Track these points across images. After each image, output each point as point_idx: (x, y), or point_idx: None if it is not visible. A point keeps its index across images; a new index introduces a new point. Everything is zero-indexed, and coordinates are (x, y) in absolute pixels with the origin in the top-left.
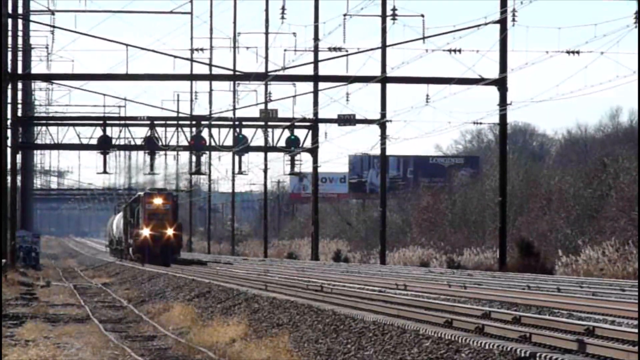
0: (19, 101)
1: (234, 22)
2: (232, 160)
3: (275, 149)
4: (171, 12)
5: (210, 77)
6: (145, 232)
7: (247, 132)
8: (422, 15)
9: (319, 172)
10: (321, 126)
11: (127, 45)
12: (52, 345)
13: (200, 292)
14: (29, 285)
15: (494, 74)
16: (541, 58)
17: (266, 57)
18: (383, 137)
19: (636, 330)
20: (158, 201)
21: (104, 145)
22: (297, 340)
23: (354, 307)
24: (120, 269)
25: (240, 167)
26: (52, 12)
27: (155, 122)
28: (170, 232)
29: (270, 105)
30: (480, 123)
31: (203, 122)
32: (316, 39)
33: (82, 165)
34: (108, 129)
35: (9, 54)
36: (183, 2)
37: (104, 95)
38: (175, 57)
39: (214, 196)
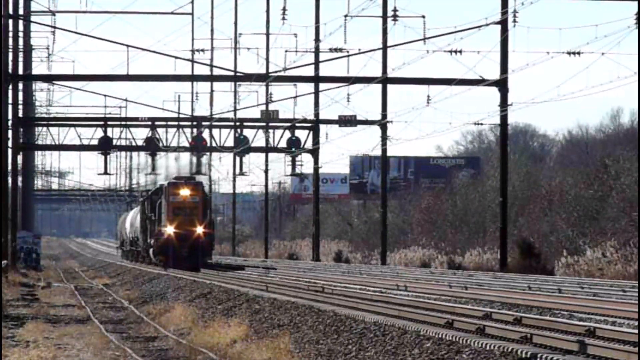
0: (20, 102)
1: (235, 23)
2: (233, 161)
3: (276, 149)
4: (172, 13)
5: (211, 78)
6: (170, 230)
7: (248, 133)
8: (423, 16)
9: (319, 172)
10: (322, 127)
11: (128, 46)
12: (53, 346)
13: (201, 293)
14: (30, 286)
15: (495, 74)
16: (542, 59)
17: (267, 58)
18: (384, 138)
19: (637, 331)
20: (185, 192)
21: (105, 146)
22: (298, 341)
23: (355, 308)
24: (121, 270)
25: (241, 168)
26: (53, 13)
27: (156, 123)
28: (200, 230)
29: (271, 106)
30: (481, 124)
31: (204, 123)
32: (317, 39)
33: (83, 166)
34: (109, 129)
35: (10, 55)
36: (184, 3)
37: (105, 96)
38: (176, 57)
39: (215, 197)
